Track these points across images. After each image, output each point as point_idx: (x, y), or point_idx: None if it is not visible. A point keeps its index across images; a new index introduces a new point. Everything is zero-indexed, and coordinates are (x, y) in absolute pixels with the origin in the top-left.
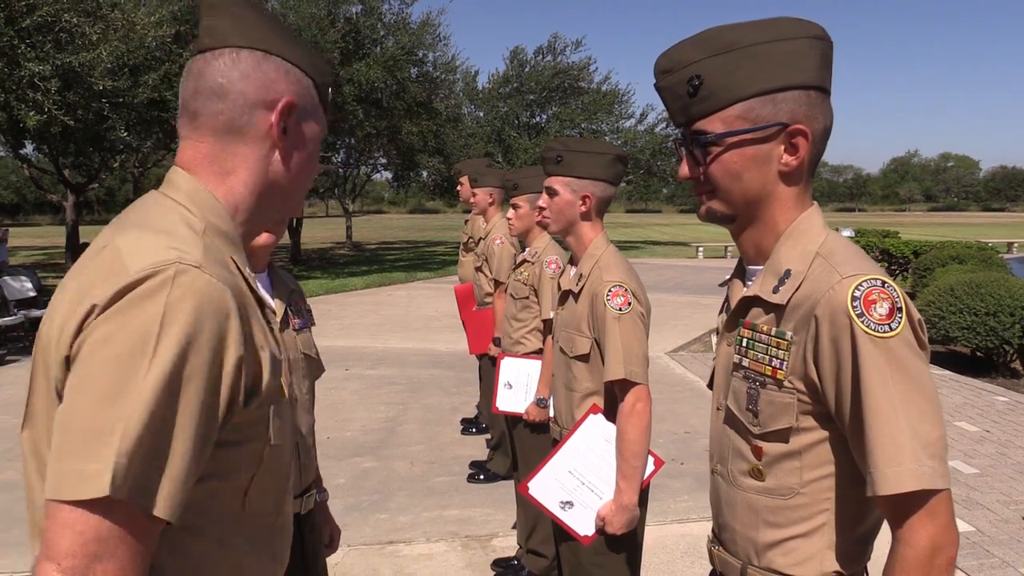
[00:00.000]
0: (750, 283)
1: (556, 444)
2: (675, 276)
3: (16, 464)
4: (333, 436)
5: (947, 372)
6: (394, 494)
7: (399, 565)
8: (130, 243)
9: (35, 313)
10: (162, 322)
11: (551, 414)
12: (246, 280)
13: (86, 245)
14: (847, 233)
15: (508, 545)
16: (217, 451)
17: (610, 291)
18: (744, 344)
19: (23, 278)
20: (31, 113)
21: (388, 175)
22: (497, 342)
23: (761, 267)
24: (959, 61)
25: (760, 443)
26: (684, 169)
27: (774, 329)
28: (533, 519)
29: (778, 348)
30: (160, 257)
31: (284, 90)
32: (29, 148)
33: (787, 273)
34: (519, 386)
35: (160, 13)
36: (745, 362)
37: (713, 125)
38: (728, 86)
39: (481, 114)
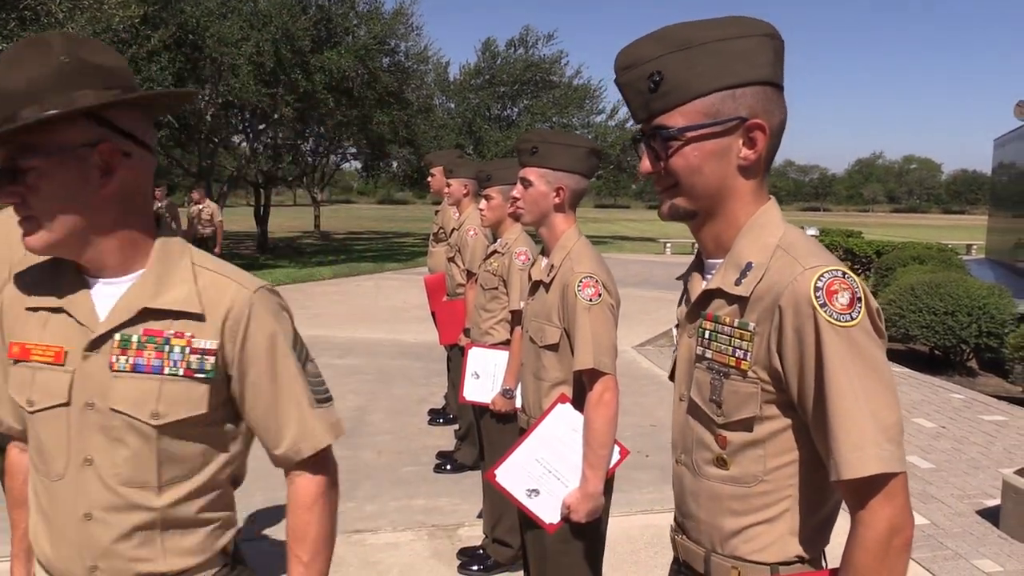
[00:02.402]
0: (710, 276)
1: (523, 433)
2: (643, 271)
3: None
4: None
5: (906, 369)
6: (361, 483)
7: (365, 554)
8: None
9: None
10: None
11: (518, 404)
12: None
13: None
14: (812, 232)
15: (474, 535)
16: None
17: (581, 282)
18: (706, 336)
19: None
20: None
21: (357, 165)
22: (468, 333)
23: (721, 260)
24: (924, 66)
25: (724, 432)
26: (645, 164)
27: (737, 320)
28: (499, 509)
29: (741, 339)
30: None
31: None
32: None
33: (748, 266)
34: (486, 376)
35: None
36: (708, 353)
37: (674, 120)
38: (689, 81)
39: (452, 105)
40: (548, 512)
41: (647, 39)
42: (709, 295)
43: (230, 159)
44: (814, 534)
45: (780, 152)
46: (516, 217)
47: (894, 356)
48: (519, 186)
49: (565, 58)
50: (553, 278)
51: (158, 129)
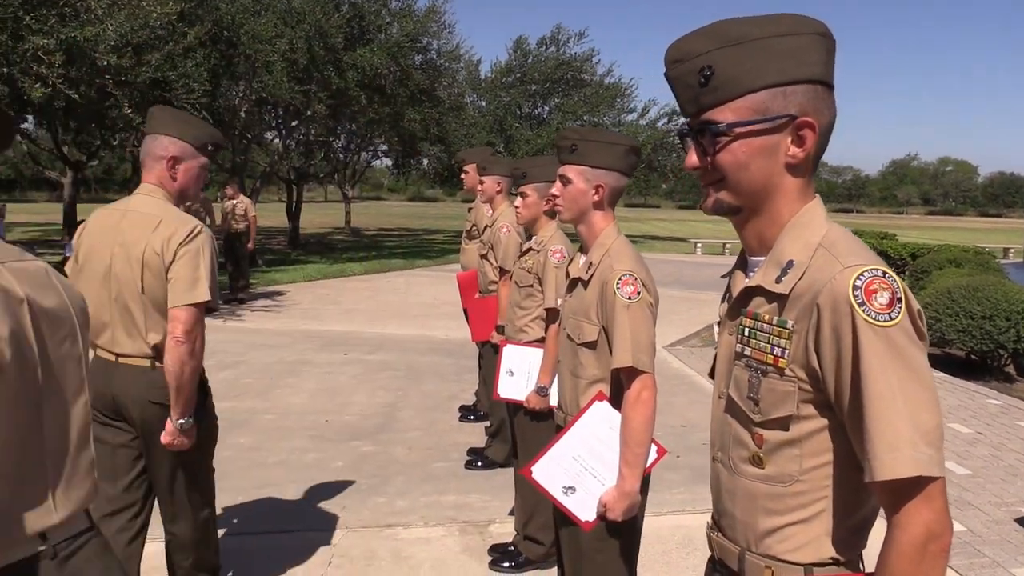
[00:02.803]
0: (752, 274)
1: (560, 430)
2: (673, 271)
3: None
4: (332, 419)
5: (942, 374)
6: (392, 478)
7: (397, 548)
8: None
9: None
10: None
11: (552, 402)
12: None
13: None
14: None
15: (505, 532)
16: None
17: (620, 280)
18: (746, 333)
19: None
20: (36, 86)
21: (388, 162)
22: (500, 330)
23: (763, 258)
24: (961, 66)
25: (761, 431)
26: (692, 158)
27: (776, 318)
28: (531, 506)
29: (780, 337)
30: None
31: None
32: (30, 123)
33: (789, 263)
34: (520, 374)
35: None
36: (747, 351)
37: (723, 115)
38: (739, 77)
39: (483, 103)
40: (584, 510)
41: (698, 33)
42: (750, 292)
43: (263, 155)
44: (850, 536)
45: None
46: (550, 215)
47: (930, 360)
48: (558, 183)
49: (596, 56)
50: (592, 276)
51: None
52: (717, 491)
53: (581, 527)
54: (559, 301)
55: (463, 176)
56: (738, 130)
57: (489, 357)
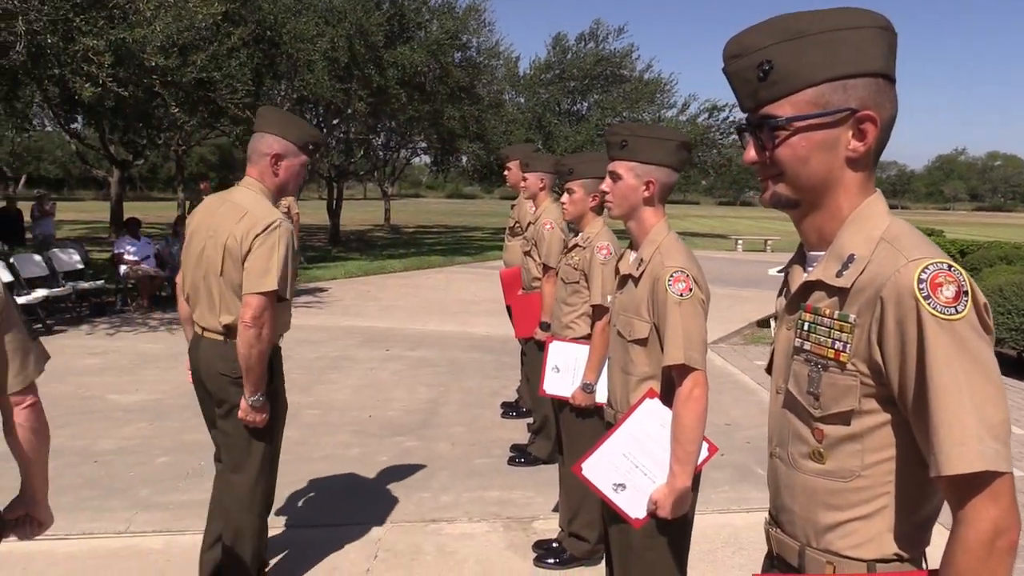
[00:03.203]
0: (811, 268)
1: (610, 427)
2: (714, 268)
3: (71, 430)
4: (375, 415)
5: None
6: (436, 474)
7: (441, 543)
8: None
9: (82, 285)
10: None
11: (597, 399)
12: None
13: (132, 220)
14: None
15: (549, 528)
16: None
17: (671, 276)
18: (805, 327)
19: (71, 250)
20: (87, 85)
21: (427, 160)
22: (544, 327)
23: (823, 252)
24: (1009, 59)
25: (821, 426)
26: (750, 153)
27: (837, 312)
28: (576, 503)
29: (841, 331)
30: None
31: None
32: (79, 123)
33: (851, 258)
34: (567, 370)
35: None
36: (807, 345)
37: (783, 109)
38: (799, 71)
39: (522, 100)
40: (634, 507)
41: (757, 28)
42: (809, 287)
43: None
44: (914, 532)
45: None
46: (598, 211)
47: None
48: (608, 180)
49: (636, 52)
50: (643, 272)
51: (237, 125)
52: (775, 487)
53: (631, 524)
54: (609, 298)
55: (506, 173)
56: (797, 124)
57: (533, 354)
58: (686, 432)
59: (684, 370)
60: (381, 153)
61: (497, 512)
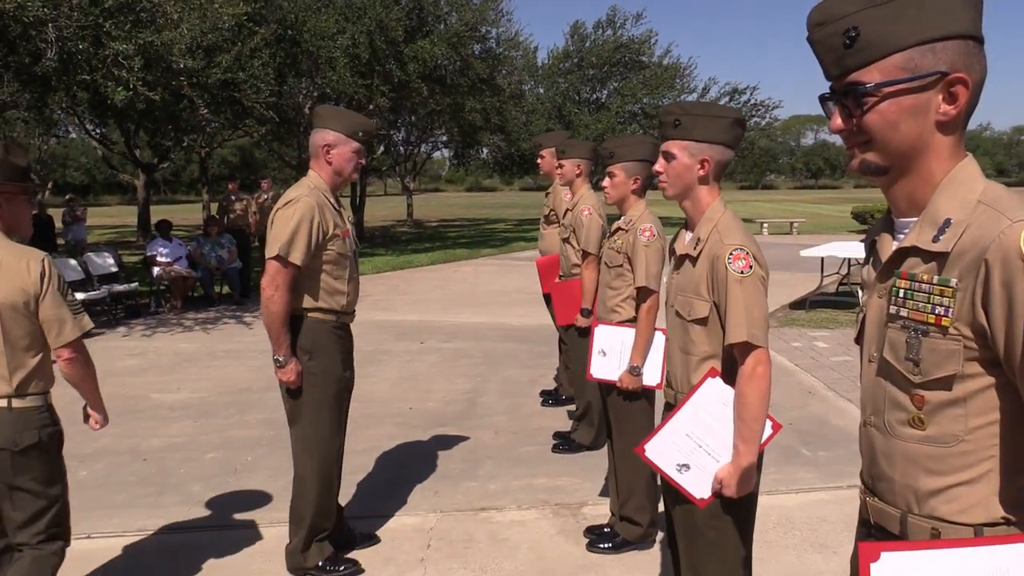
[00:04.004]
0: (902, 235)
1: (671, 408)
2: None
3: (118, 430)
4: (416, 407)
5: None
6: (482, 463)
7: (493, 531)
8: None
9: (117, 288)
10: None
11: (644, 382)
12: None
13: (164, 223)
14: None
15: (598, 513)
16: None
17: (731, 254)
18: (901, 295)
19: (105, 254)
20: (119, 89)
21: (448, 153)
22: (585, 313)
23: (913, 219)
24: None
25: (921, 392)
26: (837, 121)
27: (936, 277)
28: (628, 487)
29: (942, 296)
30: None
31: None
32: (108, 128)
33: (947, 222)
34: (613, 354)
35: None
36: (903, 312)
37: (870, 75)
38: (887, 36)
39: (541, 90)
40: (699, 487)
41: None
42: (903, 253)
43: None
44: (1020, 495)
45: None
46: (640, 194)
47: None
48: (661, 160)
49: (655, 38)
50: (700, 251)
51: (262, 125)
52: (871, 455)
53: (696, 504)
54: (664, 279)
55: (540, 161)
56: (887, 90)
57: (573, 340)
58: (750, 410)
59: (747, 348)
60: (402, 148)
61: (546, 499)
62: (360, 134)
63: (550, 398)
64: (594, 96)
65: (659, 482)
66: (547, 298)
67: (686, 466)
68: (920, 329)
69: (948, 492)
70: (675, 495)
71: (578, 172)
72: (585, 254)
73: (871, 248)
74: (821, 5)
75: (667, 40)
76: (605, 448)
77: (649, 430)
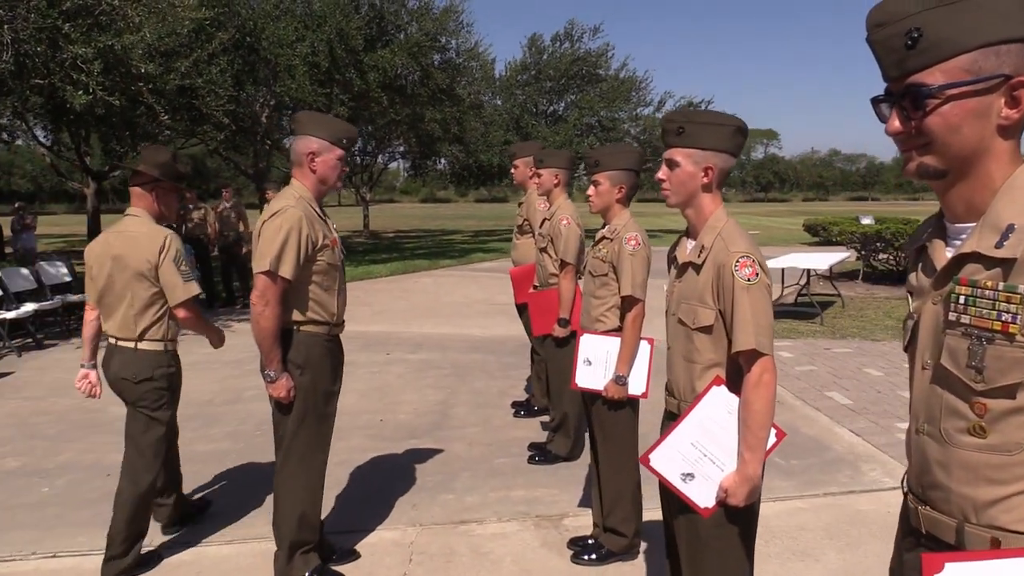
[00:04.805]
0: (957, 241)
1: (675, 417)
2: None
3: (80, 444)
4: (386, 418)
5: None
6: (457, 475)
7: (475, 544)
8: None
9: (71, 298)
10: None
11: (631, 391)
12: None
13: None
14: (867, 220)
15: (580, 524)
16: None
17: (738, 261)
18: (961, 301)
19: (58, 263)
20: (79, 93)
21: (405, 164)
22: (563, 323)
23: (970, 224)
24: None
25: (983, 400)
26: (895, 123)
27: (1001, 284)
28: (612, 498)
29: (1008, 303)
30: None
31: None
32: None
33: (1010, 228)
34: (598, 363)
35: None
36: (965, 319)
37: (933, 77)
38: (951, 37)
39: (499, 102)
40: (703, 496)
41: None
42: (961, 259)
43: (282, 160)
44: None
45: (825, 141)
46: (625, 203)
47: None
48: (664, 168)
49: (611, 51)
50: (705, 259)
51: (218, 131)
52: (923, 464)
53: (700, 514)
54: (664, 287)
55: (513, 171)
56: (950, 92)
57: (551, 351)
58: (756, 418)
59: (754, 355)
60: (359, 159)
61: (525, 511)
62: (344, 141)
63: (522, 409)
64: (551, 108)
65: (659, 492)
66: (520, 308)
67: (691, 475)
68: (984, 336)
69: (1009, 501)
70: (677, 505)
71: (556, 182)
72: (563, 264)
73: (918, 254)
74: (881, 5)
75: (623, 53)
76: (582, 459)
77: (633, 440)
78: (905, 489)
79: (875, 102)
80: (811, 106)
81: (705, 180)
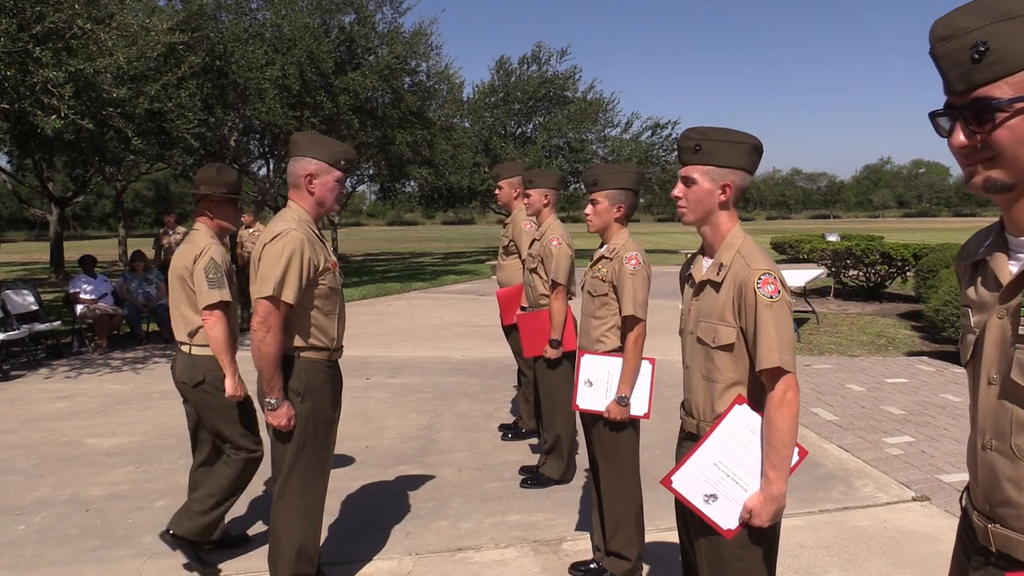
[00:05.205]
0: (1022, 255)
1: (695, 437)
2: (671, 283)
3: (55, 478)
4: (372, 444)
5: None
6: (449, 501)
7: (474, 572)
8: None
9: (39, 327)
10: None
11: (633, 411)
12: None
13: (88, 258)
14: (833, 237)
15: (579, 549)
16: None
17: (760, 279)
18: None
19: (25, 292)
20: (52, 118)
21: (373, 187)
22: (554, 344)
23: None
24: (932, 69)
25: None
26: (960, 137)
27: None
28: (615, 521)
29: None
30: None
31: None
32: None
33: None
34: (599, 384)
35: (175, 19)
36: None
37: (1000, 90)
38: (1019, 51)
39: (467, 124)
40: (727, 518)
41: (967, 10)
42: None
43: (252, 184)
44: None
45: (787, 160)
46: (623, 222)
47: (949, 358)
48: (680, 186)
49: (579, 73)
50: (724, 277)
51: (188, 155)
52: (993, 481)
53: (723, 535)
54: (679, 306)
55: (498, 192)
56: (1018, 105)
57: (542, 372)
58: (781, 436)
59: (778, 373)
60: None
61: (523, 536)
62: (343, 163)
63: (509, 432)
64: (520, 130)
65: (676, 514)
66: (508, 330)
67: (714, 496)
68: None
69: None
70: (699, 526)
71: (545, 202)
72: (554, 284)
73: (974, 269)
74: (945, 19)
75: (591, 76)
76: (575, 482)
77: (635, 461)
78: (965, 505)
79: (933, 116)
80: (772, 127)
81: (723, 198)
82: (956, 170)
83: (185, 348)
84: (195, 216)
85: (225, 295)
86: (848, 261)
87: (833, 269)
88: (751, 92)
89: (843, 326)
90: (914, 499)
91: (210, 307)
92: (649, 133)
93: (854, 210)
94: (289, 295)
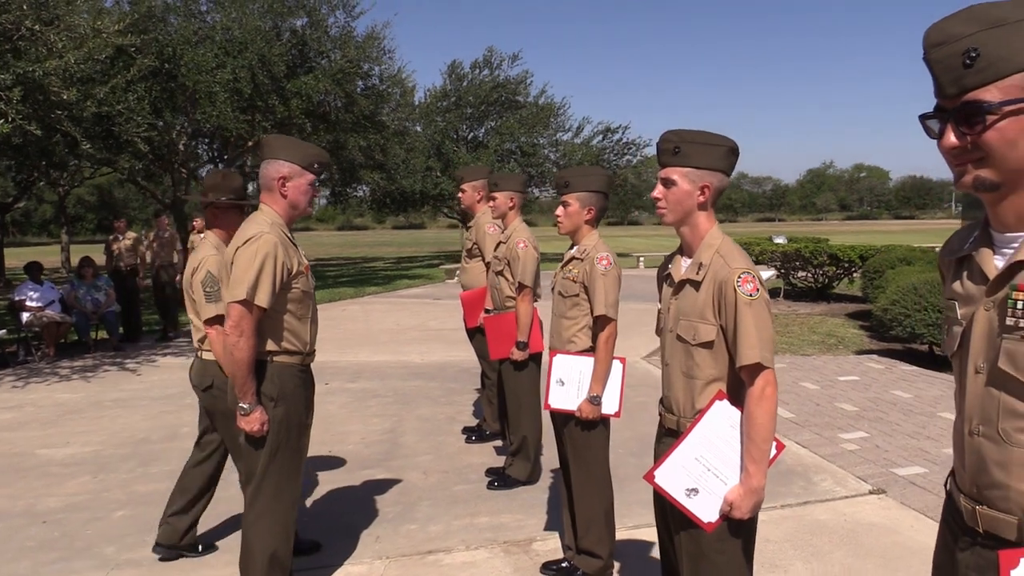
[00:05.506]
0: (1007, 250)
1: (676, 433)
2: (625, 285)
3: (7, 490)
4: (335, 449)
5: (916, 368)
6: (417, 504)
7: (446, 574)
8: None
9: None
10: None
11: (604, 410)
12: None
13: (34, 264)
14: (780, 240)
15: (548, 548)
16: None
17: (740, 277)
18: (1020, 307)
19: None
20: (0, 122)
21: (325, 191)
22: (521, 346)
23: (1021, 234)
24: (871, 75)
25: None
26: (951, 138)
27: None
28: (587, 519)
29: None
30: None
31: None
32: None
33: None
34: (571, 383)
35: (123, 21)
36: (1023, 323)
37: (990, 94)
38: (1008, 57)
39: (419, 128)
40: (707, 511)
41: (958, 17)
42: (1016, 267)
43: (199, 188)
44: None
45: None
46: (593, 224)
47: (897, 356)
48: (660, 187)
49: (530, 78)
50: (704, 276)
51: (137, 159)
52: (980, 465)
53: (703, 528)
54: (658, 305)
55: (460, 195)
56: (1007, 108)
57: (509, 374)
58: (760, 431)
59: (757, 369)
60: None
61: (492, 537)
62: (316, 165)
63: (474, 434)
64: (472, 134)
65: (655, 511)
66: (472, 332)
67: (695, 490)
68: None
69: None
70: (679, 521)
71: (511, 205)
72: (521, 287)
73: (959, 264)
74: (939, 26)
75: (542, 80)
76: (542, 482)
77: (606, 460)
78: (950, 489)
79: (923, 119)
80: (719, 130)
81: (701, 199)
82: (895, 174)
83: (198, 353)
84: (205, 224)
85: (222, 308)
86: (797, 263)
87: (782, 271)
88: (699, 97)
89: (794, 326)
90: (871, 492)
91: (209, 321)
92: (600, 137)
93: (798, 213)
94: (263, 299)
